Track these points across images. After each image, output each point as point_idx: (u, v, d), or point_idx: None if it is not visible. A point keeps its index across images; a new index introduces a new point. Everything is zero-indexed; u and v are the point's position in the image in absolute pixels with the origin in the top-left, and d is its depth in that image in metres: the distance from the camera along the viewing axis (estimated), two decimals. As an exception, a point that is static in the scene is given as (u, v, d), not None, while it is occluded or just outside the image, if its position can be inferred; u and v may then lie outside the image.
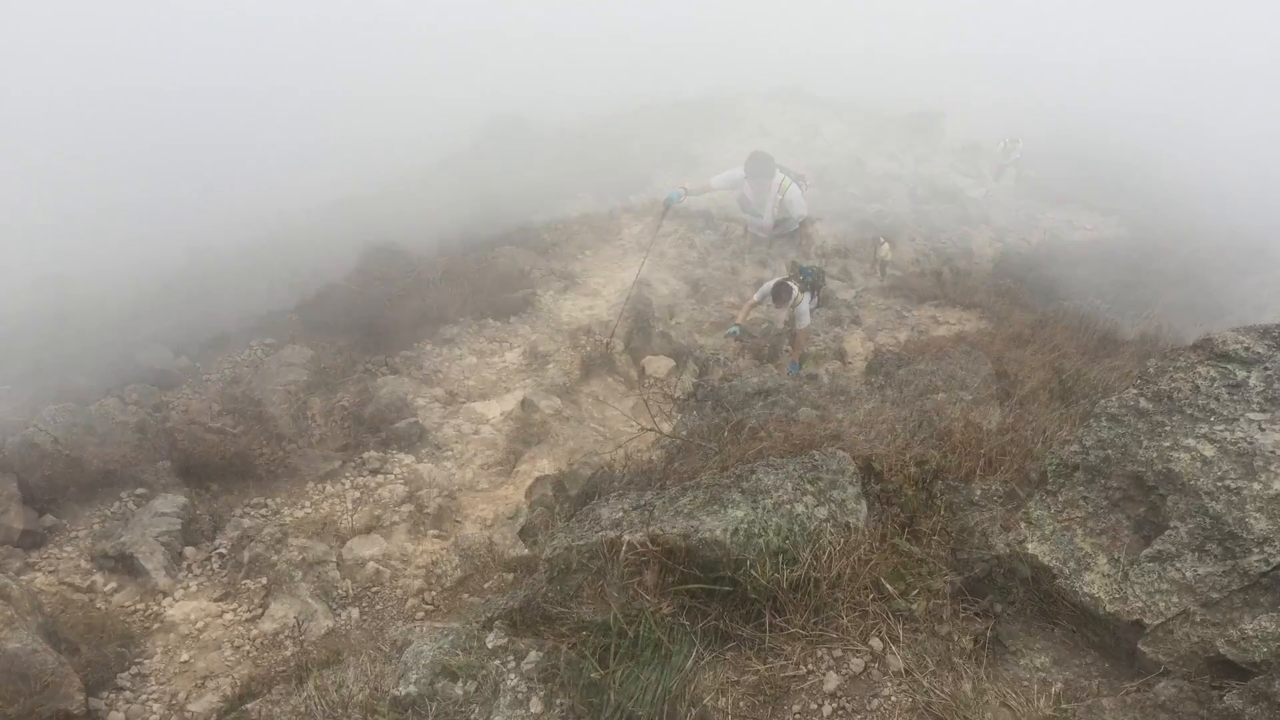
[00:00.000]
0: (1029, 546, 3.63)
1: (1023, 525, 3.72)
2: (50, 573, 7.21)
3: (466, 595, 6.95)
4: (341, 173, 22.88)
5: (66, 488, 7.85)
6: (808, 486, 4.07)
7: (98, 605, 6.71)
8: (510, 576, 6.74)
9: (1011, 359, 8.41)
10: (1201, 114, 36.16)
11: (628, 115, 26.26)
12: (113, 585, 7.04)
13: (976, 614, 3.64)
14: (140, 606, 6.82)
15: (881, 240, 20.35)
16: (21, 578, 6.63)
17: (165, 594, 6.94)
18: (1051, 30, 52.69)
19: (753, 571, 3.77)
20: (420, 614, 6.81)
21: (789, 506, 3.97)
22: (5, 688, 5.35)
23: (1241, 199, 22.89)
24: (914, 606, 3.62)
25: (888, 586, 3.66)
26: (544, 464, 9.23)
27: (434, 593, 7.03)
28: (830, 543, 3.78)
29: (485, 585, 7.02)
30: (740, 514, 3.96)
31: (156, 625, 6.62)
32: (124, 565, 7.09)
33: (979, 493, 4.17)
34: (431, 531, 8.13)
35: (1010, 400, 6.71)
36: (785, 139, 21.29)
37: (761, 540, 3.84)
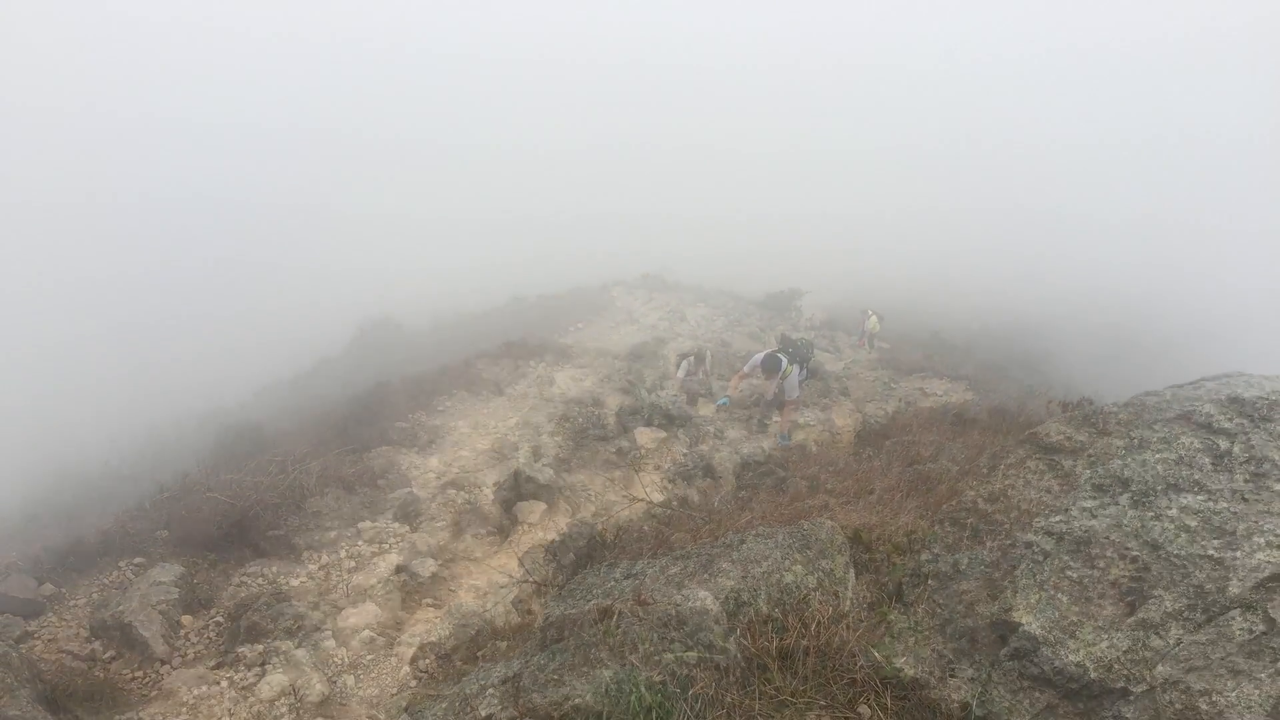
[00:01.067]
0: (1014, 615, 3.71)
1: (1009, 592, 3.81)
2: (49, 640, 7.22)
3: (460, 663, 6.95)
4: (214, 384, 23.41)
5: None
6: (797, 555, 4.15)
7: (96, 673, 6.70)
8: (504, 644, 6.76)
9: (995, 428, 8.52)
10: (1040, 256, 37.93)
11: (500, 309, 26.76)
12: (111, 653, 7.04)
13: (963, 681, 3.70)
14: (139, 674, 6.82)
15: (869, 313, 20.71)
16: (21, 645, 6.62)
17: (164, 661, 6.94)
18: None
19: (743, 640, 3.83)
20: (414, 682, 6.80)
21: (778, 575, 4.05)
22: (2, 756, 5.34)
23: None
24: (902, 673, 3.68)
25: (875, 654, 3.73)
26: (538, 533, 9.28)
27: (427, 660, 7.03)
28: (819, 611, 3.85)
29: (479, 653, 7.02)
30: (730, 583, 4.04)
31: (155, 693, 6.60)
32: (122, 634, 7.09)
33: (966, 562, 4.25)
34: (426, 600, 8.14)
35: (995, 470, 6.82)
36: (652, 325, 21.79)
37: (751, 609, 3.91)
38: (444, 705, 4.52)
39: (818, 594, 3.96)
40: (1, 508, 10.83)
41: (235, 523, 8.70)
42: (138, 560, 8.52)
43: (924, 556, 4.33)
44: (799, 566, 4.10)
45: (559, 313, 21.64)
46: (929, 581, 4.21)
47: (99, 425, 19.70)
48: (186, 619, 7.45)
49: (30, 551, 8.13)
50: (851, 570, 4.19)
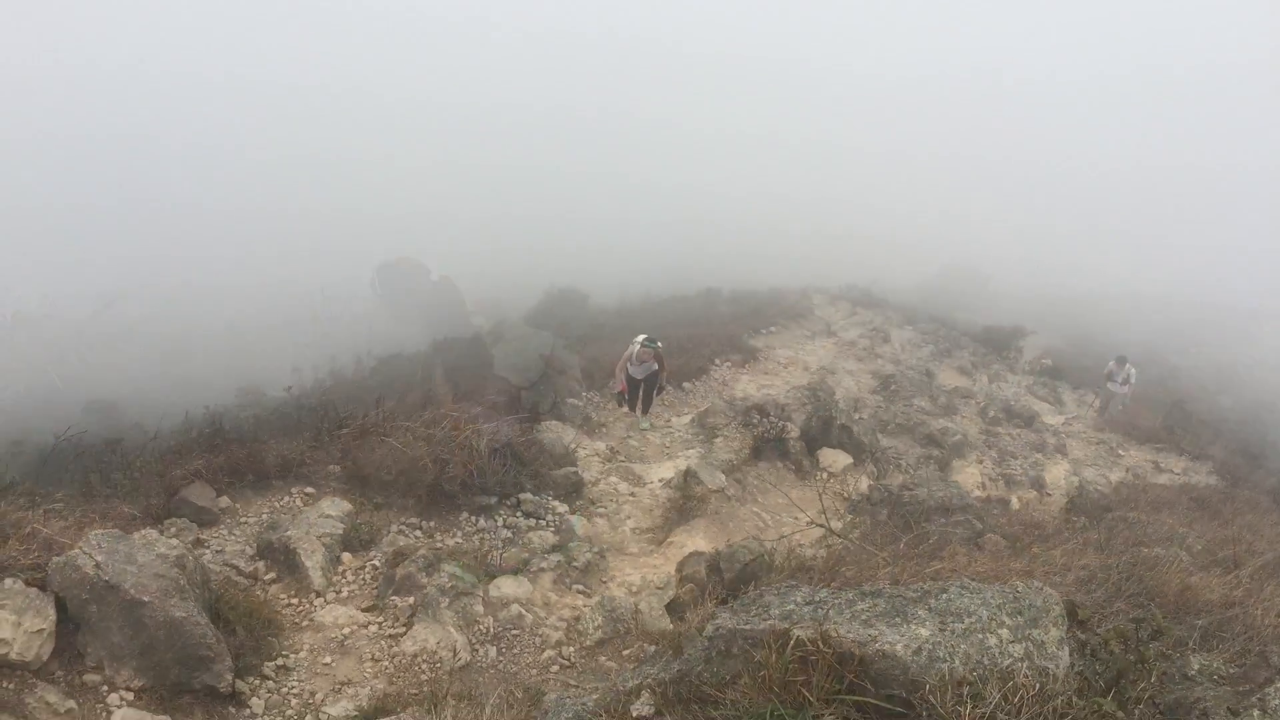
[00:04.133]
0: (1257, 737, 3.26)
1: (1256, 713, 3.35)
2: (218, 552, 7.54)
3: (604, 659, 6.85)
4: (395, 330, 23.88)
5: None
6: (1005, 619, 3.79)
7: (256, 592, 6.94)
8: (652, 648, 6.60)
9: (1246, 525, 7.72)
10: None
11: (689, 299, 26.19)
12: (272, 575, 7.28)
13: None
14: (294, 601, 7.02)
15: (1125, 361, 18.67)
16: (194, 551, 6.92)
17: (319, 594, 7.12)
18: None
19: (931, 698, 3.51)
20: (555, 667, 6.74)
21: (980, 636, 3.70)
22: (164, 655, 5.56)
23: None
24: (1111, 775, 3.29)
25: (1083, 747, 3.34)
26: (699, 539, 9.09)
27: (571, 649, 6.96)
28: (1024, 685, 3.49)
29: (625, 652, 6.90)
30: (925, 633, 3.72)
31: (307, 623, 6.77)
32: (286, 559, 7.32)
33: (1196, 666, 3.79)
34: (576, 586, 8.09)
35: (1239, 571, 6.16)
36: (851, 341, 20.87)
37: (945, 665, 3.58)
38: (595, 698, 4.39)
39: (1024, 665, 3.59)
40: (187, 415, 11.47)
41: (403, 471, 8.88)
42: (309, 490, 8.82)
43: (1151, 650, 3.88)
44: (1005, 631, 3.74)
45: (752, 313, 21.23)
46: (1153, 680, 3.77)
47: (283, 353, 20.70)
48: (347, 556, 7.63)
49: (214, 462, 8.52)
50: (1066, 648, 3.80)
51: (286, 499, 8.67)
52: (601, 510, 9.92)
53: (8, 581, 5.45)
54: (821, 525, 7.16)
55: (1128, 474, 14.28)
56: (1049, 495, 11.82)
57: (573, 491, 10.01)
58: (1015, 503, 10.20)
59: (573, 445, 11.67)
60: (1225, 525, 7.36)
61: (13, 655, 5.18)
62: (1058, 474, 13.45)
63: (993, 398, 18.35)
